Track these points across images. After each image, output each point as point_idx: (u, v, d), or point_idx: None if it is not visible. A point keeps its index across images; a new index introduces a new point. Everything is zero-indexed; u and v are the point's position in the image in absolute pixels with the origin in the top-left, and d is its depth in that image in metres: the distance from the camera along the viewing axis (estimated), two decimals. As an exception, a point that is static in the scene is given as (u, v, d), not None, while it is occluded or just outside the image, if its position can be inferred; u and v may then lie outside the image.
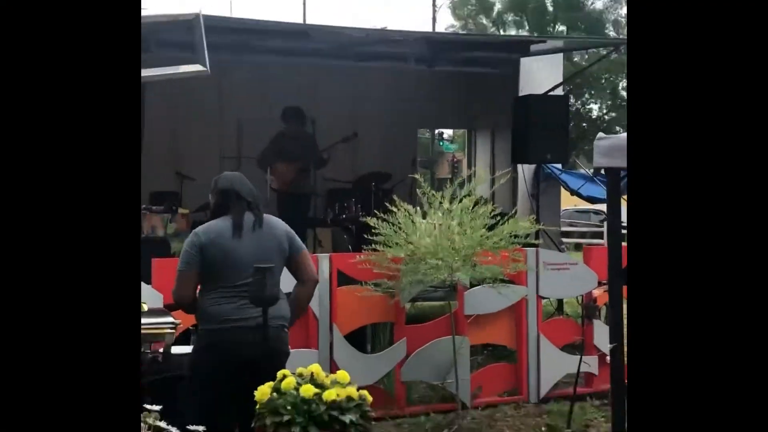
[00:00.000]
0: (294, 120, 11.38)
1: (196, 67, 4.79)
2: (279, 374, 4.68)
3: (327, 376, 4.75)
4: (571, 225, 28.28)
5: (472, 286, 7.72)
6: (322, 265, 7.34)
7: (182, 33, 6.03)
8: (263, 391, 4.62)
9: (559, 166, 12.56)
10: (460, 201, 7.17)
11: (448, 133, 35.27)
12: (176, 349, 5.59)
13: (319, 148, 11.26)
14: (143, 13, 3.07)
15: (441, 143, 34.77)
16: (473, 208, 7.15)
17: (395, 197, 7.33)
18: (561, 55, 12.46)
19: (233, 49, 10.60)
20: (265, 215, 5.38)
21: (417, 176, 7.83)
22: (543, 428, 7.52)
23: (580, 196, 13.59)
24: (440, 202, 7.10)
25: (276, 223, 5.51)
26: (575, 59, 29.31)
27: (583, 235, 28.68)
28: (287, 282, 5.57)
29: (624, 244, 4.37)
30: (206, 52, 4.84)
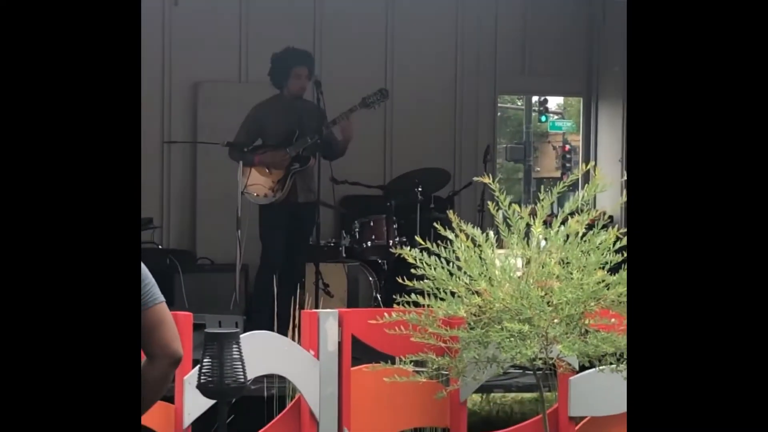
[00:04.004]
0: (289, 75, 8.83)
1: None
2: None
3: None
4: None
5: (582, 368, 6.20)
6: (326, 326, 5.97)
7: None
8: None
9: None
10: (563, 222, 5.71)
11: (556, 102, 28.40)
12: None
13: (328, 124, 8.83)
14: None
15: (544, 119, 29.25)
16: (584, 235, 5.70)
17: (452, 214, 5.77)
18: None
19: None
20: None
21: (486, 179, 5.90)
22: None
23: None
24: (528, 224, 5.68)
25: None
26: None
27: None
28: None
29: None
30: None
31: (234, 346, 4.14)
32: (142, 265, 4.28)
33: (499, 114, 16.19)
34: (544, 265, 5.64)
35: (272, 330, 6.25)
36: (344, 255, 9.26)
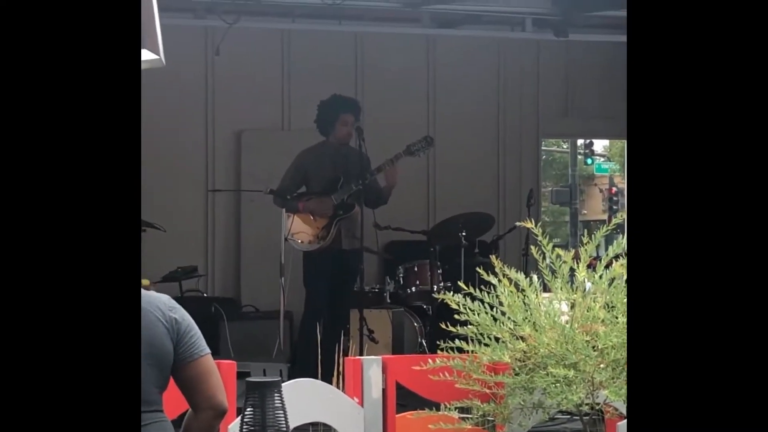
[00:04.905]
0: (336, 122, 8.89)
1: (145, 55, 3.94)
2: None
3: None
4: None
5: (630, 413, 5.65)
6: (371, 373, 6.02)
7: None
8: None
9: None
10: (607, 266, 5.71)
11: (602, 144, 28.01)
12: None
13: (373, 171, 8.90)
14: None
15: (590, 161, 29.10)
16: (630, 278, 5.43)
17: (495, 258, 5.76)
18: None
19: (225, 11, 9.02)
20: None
21: (529, 223, 5.97)
22: None
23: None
24: (572, 269, 5.69)
25: (151, 301, 4.10)
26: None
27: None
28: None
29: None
30: (159, 29, 4.19)
31: (276, 394, 4.10)
32: (188, 316, 4.18)
33: (544, 157, 16.03)
34: (589, 309, 5.60)
35: (316, 377, 6.21)
36: (389, 301, 9.21)
